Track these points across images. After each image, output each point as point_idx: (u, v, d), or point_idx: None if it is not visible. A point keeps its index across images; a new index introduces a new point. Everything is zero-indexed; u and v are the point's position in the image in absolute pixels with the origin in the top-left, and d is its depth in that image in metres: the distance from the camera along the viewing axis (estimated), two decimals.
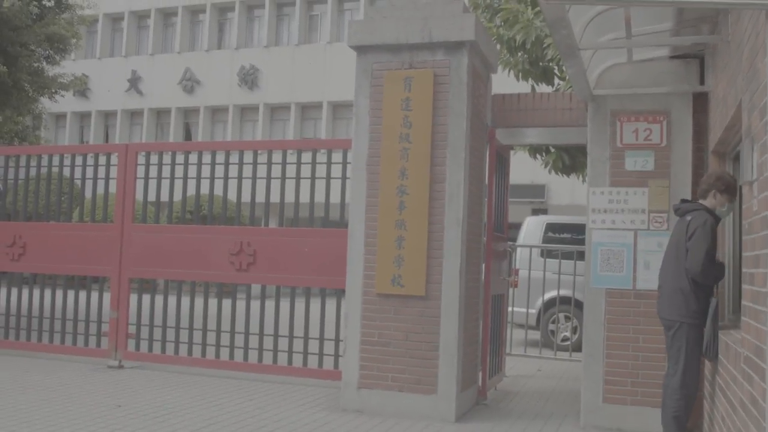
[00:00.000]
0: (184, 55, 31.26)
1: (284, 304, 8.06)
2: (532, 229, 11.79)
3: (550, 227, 11.71)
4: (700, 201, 5.43)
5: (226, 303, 8.29)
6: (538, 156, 10.77)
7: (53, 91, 15.41)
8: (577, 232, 10.82)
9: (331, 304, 7.77)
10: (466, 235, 6.58)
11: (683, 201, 5.66)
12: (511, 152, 8.91)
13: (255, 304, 8.33)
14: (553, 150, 10.34)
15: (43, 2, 14.77)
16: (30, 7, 13.14)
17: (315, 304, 7.85)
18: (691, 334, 5.21)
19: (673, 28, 6.17)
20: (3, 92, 13.56)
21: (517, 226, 12.73)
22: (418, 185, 6.60)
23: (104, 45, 32.75)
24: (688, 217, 5.36)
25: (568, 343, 10.60)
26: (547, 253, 10.74)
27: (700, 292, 5.22)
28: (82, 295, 9.08)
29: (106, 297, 8.63)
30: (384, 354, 6.58)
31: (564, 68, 9.22)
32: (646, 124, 6.63)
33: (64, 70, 16.17)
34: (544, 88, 10.72)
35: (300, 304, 7.94)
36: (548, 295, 10.75)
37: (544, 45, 9.41)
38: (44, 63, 15.12)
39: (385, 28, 6.80)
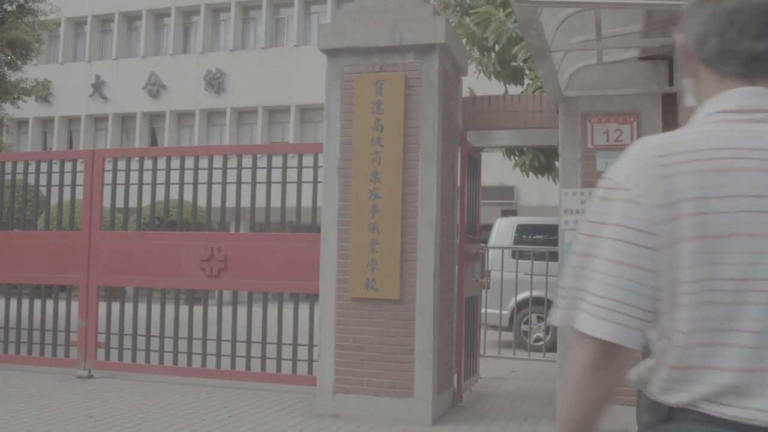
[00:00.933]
0: (149, 60, 30.92)
1: (257, 310, 7.98)
2: (503, 230, 11.82)
3: (521, 229, 11.75)
4: None
5: (198, 310, 8.18)
6: (512, 157, 10.80)
7: (15, 96, 15.15)
8: (548, 233, 10.88)
9: (304, 309, 7.70)
10: (439, 237, 6.57)
11: None
12: (482, 153, 8.92)
13: (227, 311, 8.24)
14: (527, 150, 10.38)
15: (5, 6, 14.52)
16: None
17: (288, 310, 7.78)
18: None
19: (642, 30, 6.22)
20: None
21: (487, 228, 12.76)
22: (391, 188, 6.58)
23: (67, 49, 32.29)
24: None
25: (542, 343, 10.64)
26: (519, 255, 10.77)
27: None
28: (50, 304, 8.91)
29: (74, 306, 8.48)
30: (359, 358, 6.54)
31: (535, 70, 9.26)
32: (617, 125, 6.67)
33: (27, 75, 15.90)
34: (514, 89, 10.77)
35: (273, 310, 7.87)
36: (521, 296, 10.78)
37: (515, 47, 9.44)
38: (6, 68, 14.86)
39: (355, 31, 6.77)
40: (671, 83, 6.60)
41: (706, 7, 1.37)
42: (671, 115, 6.61)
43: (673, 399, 1.32)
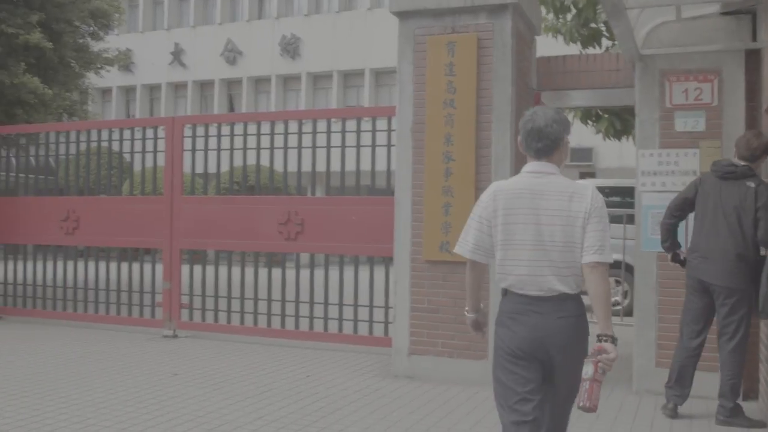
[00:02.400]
0: (225, 27, 31.33)
1: (333, 273, 8.12)
2: None
3: (599, 191, 11.53)
4: (749, 164, 5.31)
5: (276, 272, 8.38)
6: (589, 122, 10.61)
7: (99, 66, 15.61)
8: (626, 195, 10.67)
9: (379, 272, 7.81)
10: None
11: (731, 163, 5.40)
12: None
13: (304, 273, 8.42)
14: (604, 116, 10.17)
15: None
16: None
17: (364, 272, 7.90)
18: (752, 300, 5.16)
19: None
20: (50, 69, 13.77)
21: None
22: (464, 151, 6.57)
23: (146, 19, 32.97)
24: (751, 183, 5.23)
25: (619, 307, 10.51)
26: None
27: (759, 259, 5.16)
28: (135, 267, 9.27)
29: (159, 268, 8.79)
30: (433, 321, 6.61)
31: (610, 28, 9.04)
32: (697, 84, 6.47)
33: (108, 45, 16.34)
34: (591, 51, 10.54)
35: (349, 273, 8.00)
36: None
37: (599, 7, 9.20)
38: (89, 39, 15.29)
39: None
40: (755, 39, 6.35)
41: (522, 131, 3.23)
42: (755, 72, 6.37)
43: (502, 285, 3.23)
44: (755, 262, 5.19)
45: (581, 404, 3.02)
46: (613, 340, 3.08)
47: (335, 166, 7.96)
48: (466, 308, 3.47)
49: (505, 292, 3.22)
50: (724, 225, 5.26)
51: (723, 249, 5.23)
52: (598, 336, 3.09)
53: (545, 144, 3.17)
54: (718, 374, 5.42)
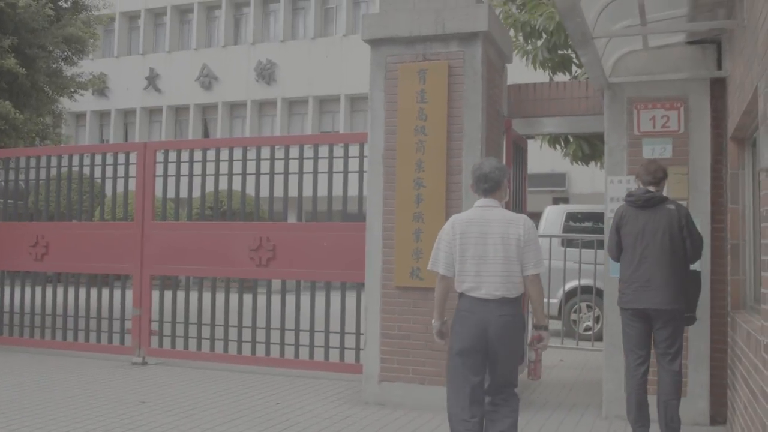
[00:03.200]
0: (201, 52, 31.36)
1: (305, 299, 8.09)
2: (552, 218, 11.74)
3: (571, 216, 11.65)
4: (654, 189, 5.49)
5: (247, 298, 8.34)
6: (557, 146, 10.70)
7: (72, 90, 15.53)
8: (598, 220, 10.76)
9: (351, 298, 7.79)
10: None
11: (647, 191, 5.49)
12: (531, 141, 8.87)
13: (276, 299, 8.38)
14: (572, 140, 10.27)
15: (60, 3, 14.87)
16: (45, 9, 13.21)
17: (335, 298, 7.88)
18: (683, 315, 5.42)
19: (688, 14, 6.11)
20: (22, 93, 13.69)
21: (536, 216, 12.70)
22: (435, 177, 6.60)
23: (122, 43, 32.93)
24: (671, 206, 5.43)
25: (591, 333, 10.56)
26: (567, 243, 10.70)
27: (690, 274, 5.49)
28: (105, 292, 9.17)
29: (129, 294, 8.71)
30: (404, 347, 6.60)
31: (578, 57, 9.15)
32: (664, 111, 6.57)
33: (82, 69, 16.28)
34: (561, 77, 10.65)
35: (320, 298, 7.98)
36: (570, 285, 10.71)
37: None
38: (62, 64, 15.23)
39: (399, 20, 6.80)
40: (720, 67, 6.47)
41: (473, 176, 4.45)
42: (720, 100, 6.48)
43: (459, 289, 4.32)
44: (685, 282, 5.43)
45: (530, 377, 4.82)
46: (546, 328, 4.48)
47: (308, 191, 7.96)
48: (434, 319, 4.51)
49: (461, 295, 4.37)
50: (659, 251, 5.35)
51: (663, 275, 5.32)
52: (534, 326, 4.46)
53: (490, 185, 4.42)
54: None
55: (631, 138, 6.59)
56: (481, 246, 4.26)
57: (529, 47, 10.05)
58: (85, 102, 25.00)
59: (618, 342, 6.32)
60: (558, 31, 9.36)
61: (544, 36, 9.62)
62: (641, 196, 5.47)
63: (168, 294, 8.70)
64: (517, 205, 7.89)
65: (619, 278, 5.56)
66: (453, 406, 4.33)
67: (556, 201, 22.00)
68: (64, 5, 15.06)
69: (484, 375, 4.32)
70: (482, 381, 4.32)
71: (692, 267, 5.59)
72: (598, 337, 10.03)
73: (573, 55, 10.10)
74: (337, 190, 7.80)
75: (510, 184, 8.25)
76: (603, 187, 6.81)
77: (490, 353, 4.25)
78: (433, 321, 4.50)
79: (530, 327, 5.01)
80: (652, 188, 5.48)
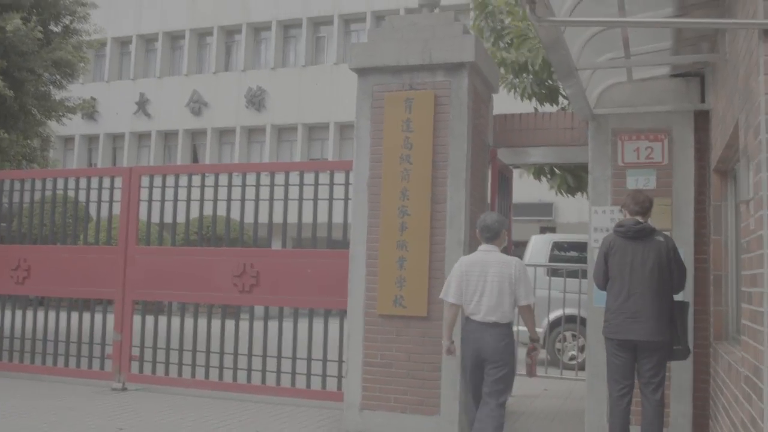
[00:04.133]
0: (191, 78, 31.41)
1: (287, 326, 8.04)
2: (538, 247, 11.74)
3: (557, 246, 11.66)
4: (642, 219, 5.49)
5: (230, 324, 8.27)
6: (542, 177, 10.75)
7: (60, 114, 15.49)
8: (584, 250, 10.77)
9: (334, 325, 7.74)
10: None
11: (637, 221, 5.49)
12: (516, 172, 8.90)
13: (258, 326, 8.32)
14: (558, 172, 10.32)
15: (50, 27, 14.89)
16: (34, 32, 13.22)
17: (318, 325, 7.83)
18: (670, 346, 5.44)
19: (672, 47, 6.18)
20: (10, 116, 13.66)
21: (522, 245, 12.71)
22: (420, 206, 6.61)
23: (112, 68, 32.95)
24: (660, 238, 5.44)
25: (575, 362, 10.52)
26: (552, 272, 10.70)
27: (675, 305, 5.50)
28: (86, 317, 9.08)
29: (110, 319, 8.63)
30: (386, 375, 6.56)
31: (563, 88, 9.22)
32: (648, 143, 6.63)
33: (72, 93, 16.25)
34: (548, 108, 10.73)
35: (303, 325, 7.92)
36: (554, 314, 10.70)
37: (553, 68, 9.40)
38: (51, 87, 15.21)
39: (386, 50, 6.84)
40: (703, 100, 6.53)
41: (478, 226, 5.52)
42: (703, 132, 6.54)
43: (465, 315, 5.43)
44: (673, 311, 5.45)
45: (528, 376, 5.84)
46: (538, 341, 5.61)
47: (293, 218, 7.94)
48: (443, 339, 5.51)
49: (467, 319, 5.39)
50: (648, 283, 5.36)
51: (652, 307, 5.33)
52: (530, 339, 5.56)
53: (491, 234, 5.44)
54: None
55: (616, 169, 6.63)
56: (481, 282, 5.29)
57: (517, 81, 10.14)
58: (74, 126, 24.96)
59: (601, 372, 6.31)
60: (544, 67, 9.46)
61: (532, 70, 9.70)
62: (632, 227, 5.47)
63: (150, 319, 8.62)
64: None
65: (606, 308, 5.55)
66: (471, 412, 5.51)
67: (543, 230, 22.04)
68: (55, 29, 15.07)
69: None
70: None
71: (681, 298, 5.60)
72: (583, 367, 10.00)
73: (560, 86, 10.20)
74: (322, 217, 7.79)
75: (510, 233, 8.32)
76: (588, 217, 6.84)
77: (484, 363, 5.29)
78: (442, 341, 5.57)
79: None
80: (640, 218, 5.48)
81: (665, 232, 5.94)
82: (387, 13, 27.68)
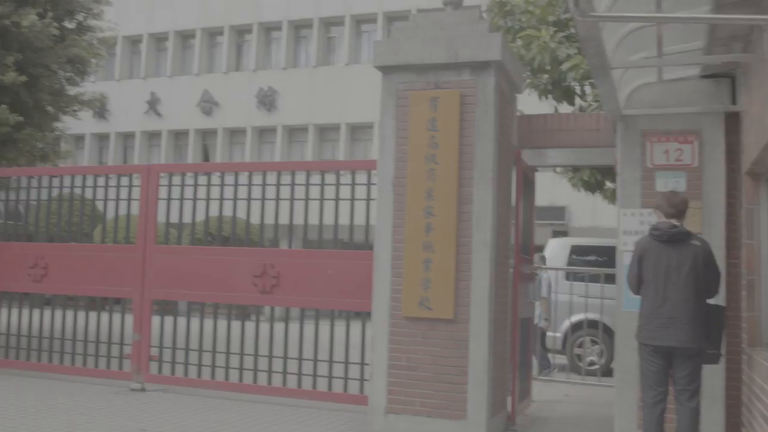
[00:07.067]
0: (202, 77, 31.40)
1: (308, 327, 7.96)
2: (556, 251, 11.64)
3: (575, 250, 11.55)
4: (677, 222, 5.40)
5: (250, 325, 8.19)
6: (569, 172, 10.69)
7: (75, 109, 15.47)
8: (603, 254, 10.67)
9: (355, 327, 7.66)
10: (494, 257, 6.47)
11: (673, 225, 5.39)
12: (540, 171, 8.82)
13: (279, 327, 8.24)
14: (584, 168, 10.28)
15: (65, 24, 14.85)
16: (50, 28, 13.19)
17: (339, 327, 7.75)
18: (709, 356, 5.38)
19: (704, 47, 6.08)
20: (24, 112, 13.61)
21: (538, 249, 12.60)
22: (446, 206, 6.52)
23: (123, 67, 32.96)
24: (696, 242, 5.35)
25: (596, 367, 10.42)
26: (572, 276, 10.60)
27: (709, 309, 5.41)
28: (105, 316, 9.02)
29: (129, 319, 8.56)
30: (412, 378, 6.46)
31: (594, 87, 9.17)
32: (677, 145, 6.52)
33: (85, 89, 16.23)
34: (565, 108, 10.66)
35: (324, 327, 7.84)
36: (574, 319, 10.59)
37: (562, 68, 9.40)
38: (65, 83, 15.18)
39: (410, 48, 6.75)
40: (734, 102, 6.43)
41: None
42: (734, 135, 6.43)
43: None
44: (709, 316, 5.37)
45: None
46: None
47: (313, 219, 7.86)
48: None
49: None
50: (683, 289, 5.26)
51: (687, 313, 5.23)
52: None
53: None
54: None
55: (645, 171, 6.53)
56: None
57: (535, 80, 10.11)
58: (85, 124, 24.95)
59: (630, 378, 6.22)
60: (554, 66, 9.44)
61: (543, 67, 9.69)
62: (667, 231, 5.35)
63: (168, 319, 8.55)
64: (525, 237, 7.81)
65: (640, 312, 5.44)
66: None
67: (556, 234, 21.89)
68: (69, 26, 15.04)
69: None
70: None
71: (716, 302, 5.51)
72: (604, 372, 9.92)
73: (575, 87, 10.16)
74: (343, 219, 7.70)
75: (532, 236, 8.25)
76: (604, 220, 6.79)
77: None
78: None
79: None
80: (675, 221, 5.38)
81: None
82: (398, 13, 27.65)
